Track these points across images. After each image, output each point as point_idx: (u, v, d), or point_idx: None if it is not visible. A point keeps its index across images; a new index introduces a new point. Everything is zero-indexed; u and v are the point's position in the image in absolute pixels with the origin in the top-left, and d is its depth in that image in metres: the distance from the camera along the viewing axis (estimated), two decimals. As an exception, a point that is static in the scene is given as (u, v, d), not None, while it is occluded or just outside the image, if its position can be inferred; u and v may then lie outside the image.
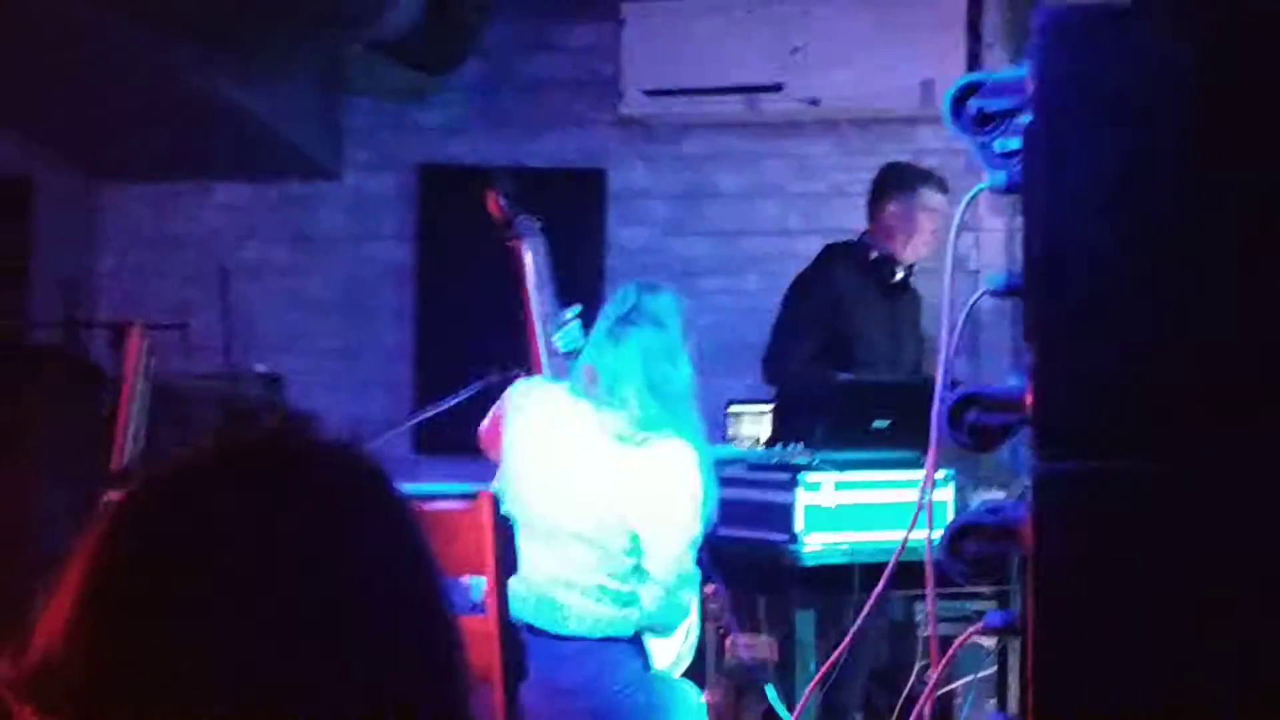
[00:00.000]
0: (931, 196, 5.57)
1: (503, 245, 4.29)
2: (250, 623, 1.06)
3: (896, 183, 5.64)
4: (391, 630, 1.10)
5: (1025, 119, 2.49)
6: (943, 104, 6.30)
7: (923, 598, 5.15)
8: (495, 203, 4.30)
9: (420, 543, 1.15)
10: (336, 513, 1.12)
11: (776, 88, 6.74)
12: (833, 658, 3.28)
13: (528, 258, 4.18)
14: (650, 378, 3.71)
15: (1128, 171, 2.31)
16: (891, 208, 5.59)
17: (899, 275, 5.59)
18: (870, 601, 3.01)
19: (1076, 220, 2.33)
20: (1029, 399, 2.37)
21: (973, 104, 2.52)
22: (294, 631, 1.07)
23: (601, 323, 3.80)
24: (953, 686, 5.29)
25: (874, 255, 5.59)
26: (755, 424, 6.32)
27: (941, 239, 6.30)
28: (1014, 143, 2.60)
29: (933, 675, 2.83)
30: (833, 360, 5.52)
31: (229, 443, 1.15)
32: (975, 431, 2.44)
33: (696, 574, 3.87)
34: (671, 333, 3.76)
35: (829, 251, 5.74)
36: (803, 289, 5.63)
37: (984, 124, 2.55)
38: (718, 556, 4.26)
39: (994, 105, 2.52)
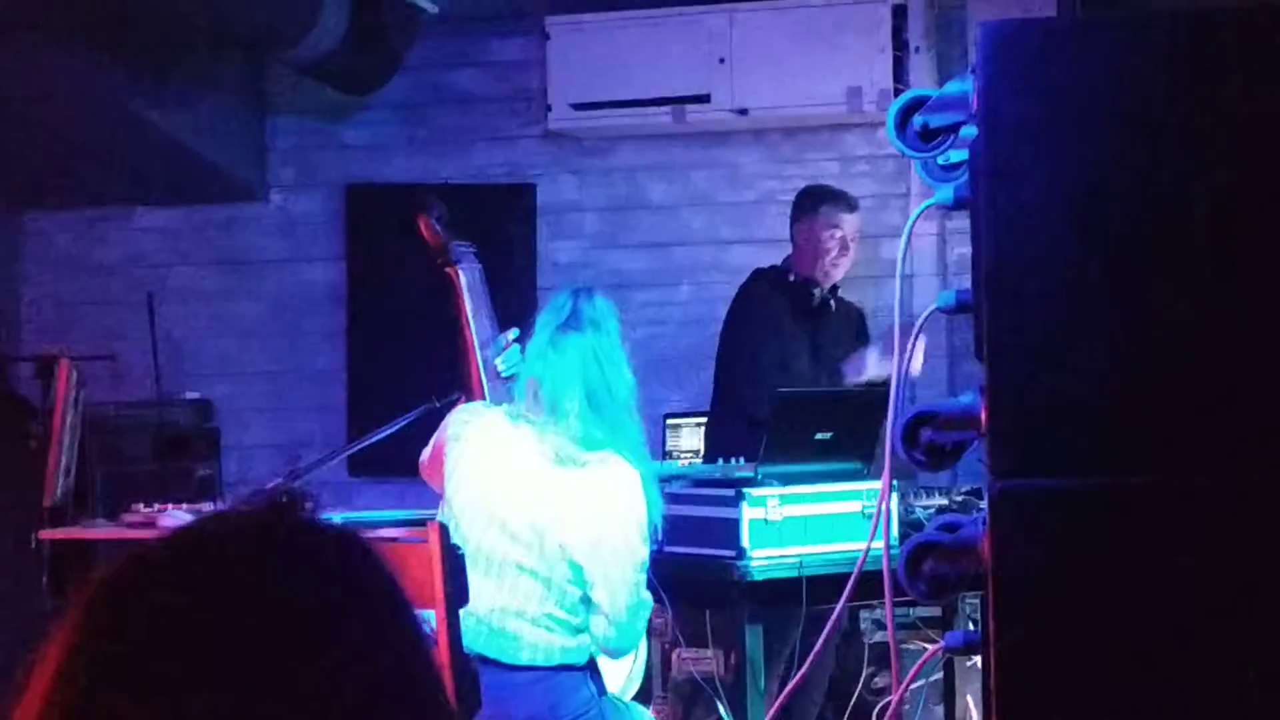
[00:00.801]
0: (835, 215, 5.65)
1: (437, 269, 4.19)
2: (238, 713, 1.03)
3: (802, 205, 5.76)
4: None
5: (969, 133, 2.49)
6: (869, 110, 6.31)
7: (867, 606, 5.19)
8: (427, 227, 4.19)
9: (410, 619, 1.13)
10: (333, 597, 1.09)
11: (704, 98, 6.72)
12: (797, 677, 3.27)
13: (463, 282, 4.10)
14: (591, 384, 3.67)
15: (1077, 184, 2.30)
16: (800, 230, 5.71)
17: (817, 297, 5.65)
18: (834, 617, 3.00)
19: (1026, 234, 2.32)
20: (982, 416, 2.36)
21: (916, 119, 2.51)
22: None
23: (540, 331, 3.76)
24: (901, 693, 5.29)
25: (792, 279, 5.68)
26: (694, 436, 6.31)
27: (859, 258, 6.37)
28: (957, 156, 2.59)
29: (895, 690, 2.81)
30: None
31: (216, 523, 1.11)
32: (930, 450, 2.43)
33: (648, 597, 3.83)
34: (611, 336, 3.74)
35: (756, 276, 5.83)
36: (744, 317, 5.72)
37: (928, 139, 2.54)
38: (663, 573, 4.23)
39: (937, 120, 2.52)
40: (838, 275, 5.69)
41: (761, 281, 5.75)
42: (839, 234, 5.63)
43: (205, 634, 1.04)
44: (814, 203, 5.71)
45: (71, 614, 1.07)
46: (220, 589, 1.06)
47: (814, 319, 5.68)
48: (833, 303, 5.71)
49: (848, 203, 5.71)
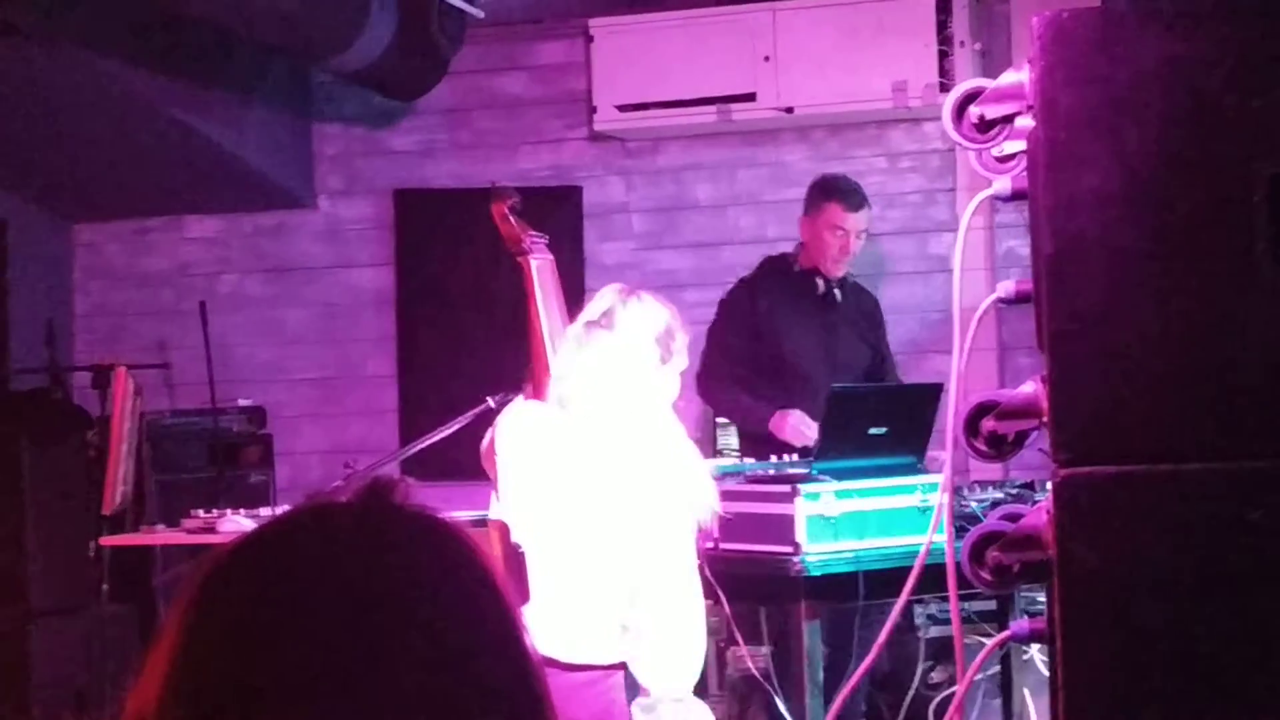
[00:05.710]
0: (835, 213, 5.65)
1: (512, 261, 4.16)
2: (344, 704, 1.04)
3: (809, 198, 5.78)
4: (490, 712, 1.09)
5: (1025, 123, 2.49)
6: (915, 105, 6.29)
7: (921, 600, 5.18)
8: (502, 217, 4.17)
9: (507, 601, 1.14)
10: (431, 585, 1.10)
11: (749, 97, 6.73)
12: (858, 673, 3.27)
13: (534, 272, 4.08)
14: (611, 386, 3.68)
15: (1135, 171, 2.30)
16: (805, 223, 5.74)
17: (821, 287, 5.69)
18: (896, 610, 3.00)
19: (1085, 223, 2.32)
20: (1044, 405, 2.37)
21: (972, 110, 2.52)
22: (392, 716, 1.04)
23: (573, 327, 3.77)
24: (956, 688, 5.28)
25: (797, 268, 5.72)
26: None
27: (906, 253, 6.35)
28: (1012, 147, 2.59)
29: (960, 681, 2.81)
30: (767, 371, 5.63)
31: (314, 512, 1.13)
32: (991, 440, 2.43)
33: (698, 597, 3.81)
34: (634, 342, 3.71)
35: (762, 264, 5.88)
36: (732, 301, 5.79)
37: (984, 130, 2.55)
38: (719, 570, 4.23)
39: (993, 111, 2.52)
40: (839, 271, 5.70)
41: (767, 271, 5.81)
42: (840, 233, 5.64)
43: (312, 612, 1.06)
44: (818, 198, 5.72)
45: (184, 594, 1.08)
46: (325, 570, 1.08)
47: (823, 306, 5.71)
48: (837, 292, 5.72)
49: (854, 201, 5.69)
